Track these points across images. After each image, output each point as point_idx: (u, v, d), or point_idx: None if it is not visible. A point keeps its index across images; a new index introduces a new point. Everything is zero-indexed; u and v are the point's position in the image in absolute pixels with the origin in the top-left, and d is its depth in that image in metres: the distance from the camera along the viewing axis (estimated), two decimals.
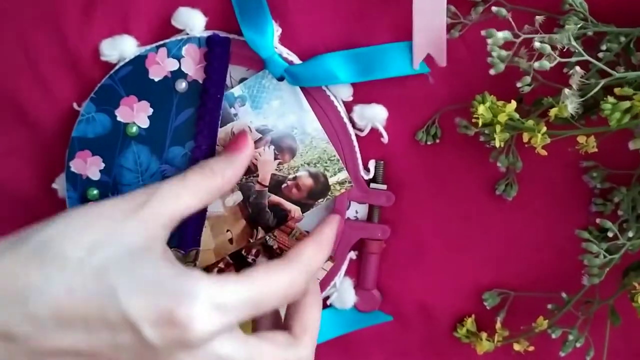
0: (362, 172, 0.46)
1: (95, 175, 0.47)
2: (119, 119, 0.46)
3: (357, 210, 0.47)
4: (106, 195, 0.47)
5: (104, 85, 0.46)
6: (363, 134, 0.45)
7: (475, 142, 0.43)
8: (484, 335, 0.44)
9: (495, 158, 0.43)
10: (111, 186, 0.47)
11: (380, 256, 0.47)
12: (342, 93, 0.45)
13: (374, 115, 0.44)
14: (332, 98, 0.44)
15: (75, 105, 0.46)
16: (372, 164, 0.46)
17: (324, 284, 0.47)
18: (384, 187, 0.46)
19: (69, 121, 0.46)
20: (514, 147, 0.42)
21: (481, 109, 0.38)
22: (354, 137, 0.45)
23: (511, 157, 0.42)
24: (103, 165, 0.46)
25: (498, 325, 0.44)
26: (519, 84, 0.38)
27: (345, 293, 0.47)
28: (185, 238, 0.46)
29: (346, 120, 0.45)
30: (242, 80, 0.46)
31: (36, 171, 0.48)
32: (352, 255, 0.47)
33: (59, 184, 0.47)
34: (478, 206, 0.46)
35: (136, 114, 0.46)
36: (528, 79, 0.38)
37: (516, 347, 0.43)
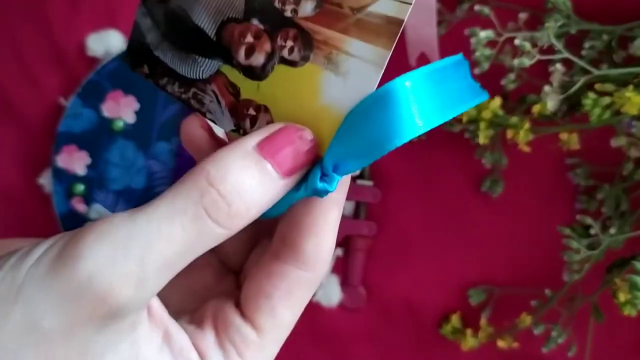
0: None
1: (81, 170, 0.47)
2: (105, 114, 0.46)
3: (343, 206, 0.47)
4: (92, 190, 0.47)
5: (91, 81, 0.46)
6: None
7: (461, 139, 0.42)
8: (468, 331, 0.44)
9: (480, 155, 0.43)
10: (97, 181, 0.47)
11: (367, 253, 0.47)
12: None
13: None
14: None
15: (61, 100, 0.46)
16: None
17: None
18: (371, 183, 0.46)
19: (55, 116, 0.46)
20: (498, 144, 0.42)
21: None
22: None
23: (496, 154, 0.42)
24: (90, 160, 0.46)
25: (483, 321, 0.44)
26: (503, 81, 0.38)
27: (331, 290, 0.47)
28: None
29: None
30: None
31: (22, 166, 0.48)
32: (339, 252, 0.47)
33: (45, 179, 0.47)
34: (464, 203, 0.46)
35: (122, 109, 0.46)
36: (512, 76, 0.38)
37: (500, 343, 0.43)
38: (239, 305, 0.24)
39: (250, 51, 0.23)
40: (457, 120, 0.40)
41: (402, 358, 0.48)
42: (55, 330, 0.20)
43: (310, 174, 0.22)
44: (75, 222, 0.47)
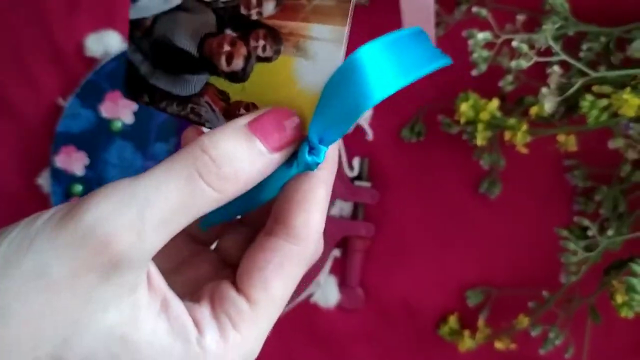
0: (347, 170, 0.46)
1: (80, 171, 0.47)
2: (103, 114, 0.46)
3: (341, 207, 0.47)
4: (90, 191, 0.47)
5: (89, 81, 0.46)
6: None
7: (459, 140, 0.43)
8: (466, 333, 0.44)
9: (478, 156, 0.43)
10: (96, 182, 0.47)
11: (365, 254, 0.47)
12: None
13: None
14: None
15: (60, 100, 0.46)
16: (356, 162, 0.46)
17: (307, 281, 0.47)
18: (369, 184, 0.46)
19: (53, 116, 0.46)
20: (496, 145, 0.42)
21: (464, 107, 0.38)
22: None
23: (494, 155, 0.42)
24: (88, 160, 0.47)
25: (480, 322, 0.44)
26: (501, 83, 0.38)
27: (329, 291, 0.47)
28: None
29: None
30: None
31: (20, 165, 0.48)
32: (336, 253, 0.47)
33: (44, 180, 0.47)
34: (462, 204, 0.46)
35: (121, 110, 0.46)
36: (510, 77, 0.38)
37: (498, 345, 0.43)
38: (234, 283, 0.25)
39: (229, 58, 0.26)
40: (455, 121, 0.40)
41: (400, 359, 0.48)
42: (62, 277, 0.22)
43: (299, 150, 0.24)
44: None
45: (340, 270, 0.48)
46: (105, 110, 0.46)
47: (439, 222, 0.46)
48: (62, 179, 0.47)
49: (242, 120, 0.24)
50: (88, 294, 0.22)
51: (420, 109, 0.45)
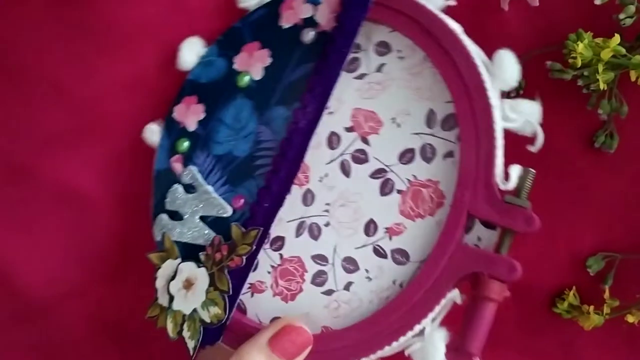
0: (499, 179, 0.32)
1: (192, 126, 0.40)
2: (235, 66, 0.40)
3: (479, 236, 0.33)
4: (194, 150, 0.40)
5: (234, 28, 0.40)
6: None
7: (564, 91, 0.38)
8: (590, 308, 0.39)
9: (594, 105, 0.38)
10: (203, 141, 0.40)
11: (499, 307, 0.31)
12: None
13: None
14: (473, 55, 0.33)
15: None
16: (515, 171, 0.32)
17: (405, 322, 0.33)
18: (527, 205, 0.32)
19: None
20: (616, 90, 0.37)
21: (580, 47, 0.35)
22: (497, 120, 0.32)
23: (614, 102, 0.37)
24: (203, 115, 0.40)
25: (606, 294, 0.39)
26: (621, 16, 0.35)
27: (432, 348, 0.32)
28: (257, 213, 0.37)
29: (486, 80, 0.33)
30: (381, 43, 0.37)
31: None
32: (457, 296, 0.32)
33: (150, 132, 0.42)
34: (574, 162, 0.40)
35: (253, 63, 0.39)
36: (632, 8, 0.35)
37: (630, 318, 0.38)
38: None
39: None
40: (566, 66, 0.36)
41: (514, 344, 0.41)
42: None
43: None
44: (167, 182, 0.40)
45: (456, 324, 0.32)
46: (239, 62, 0.40)
47: (550, 184, 0.39)
48: (173, 131, 0.41)
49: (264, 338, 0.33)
50: None
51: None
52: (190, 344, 0.37)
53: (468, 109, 0.33)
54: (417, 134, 0.35)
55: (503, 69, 0.33)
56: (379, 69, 0.37)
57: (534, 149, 0.33)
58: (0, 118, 0.43)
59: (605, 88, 0.36)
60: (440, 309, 0.32)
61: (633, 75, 0.35)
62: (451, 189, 0.33)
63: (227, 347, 0.36)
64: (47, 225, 0.43)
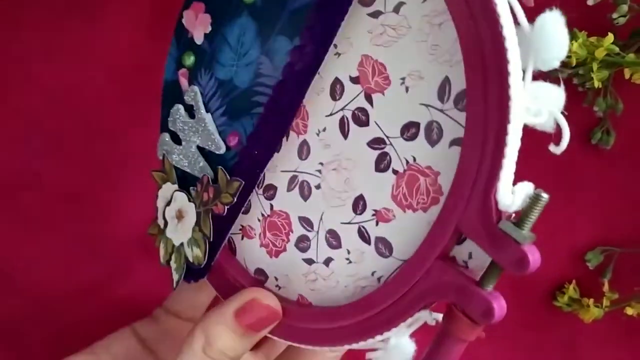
0: (502, 195, 0.25)
1: (199, 38, 0.35)
2: None
3: (471, 252, 0.27)
4: (199, 68, 0.35)
5: None
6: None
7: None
8: (590, 301, 0.40)
9: (589, 102, 0.39)
10: (208, 58, 0.35)
11: (466, 347, 0.27)
12: None
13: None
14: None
15: None
16: (522, 190, 0.25)
17: (373, 325, 0.29)
18: (530, 238, 0.25)
19: None
20: (611, 87, 0.38)
21: (575, 46, 0.35)
22: (515, 113, 0.25)
23: (609, 100, 0.38)
24: (209, 28, 0.35)
25: (605, 287, 0.40)
26: (614, 15, 0.36)
27: (397, 350, 0.29)
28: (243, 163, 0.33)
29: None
30: None
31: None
32: (428, 316, 0.28)
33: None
34: (572, 158, 0.41)
35: None
36: (624, 7, 0.35)
37: (629, 311, 0.39)
38: None
39: None
40: (564, 64, 0.35)
41: (516, 336, 0.41)
42: None
43: None
44: (173, 97, 0.37)
45: (423, 344, 0.28)
46: None
47: (548, 178, 0.36)
48: (182, 41, 0.36)
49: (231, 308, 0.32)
50: None
51: None
52: (175, 277, 0.36)
53: (480, 91, 0.25)
54: (425, 105, 0.28)
55: (544, 41, 0.24)
56: (397, 8, 0.29)
57: (558, 150, 0.25)
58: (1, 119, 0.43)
59: (600, 86, 0.37)
60: (406, 325, 0.28)
61: (627, 73, 0.36)
62: (450, 187, 0.27)
63: (212, 286, 0.36)
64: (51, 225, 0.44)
